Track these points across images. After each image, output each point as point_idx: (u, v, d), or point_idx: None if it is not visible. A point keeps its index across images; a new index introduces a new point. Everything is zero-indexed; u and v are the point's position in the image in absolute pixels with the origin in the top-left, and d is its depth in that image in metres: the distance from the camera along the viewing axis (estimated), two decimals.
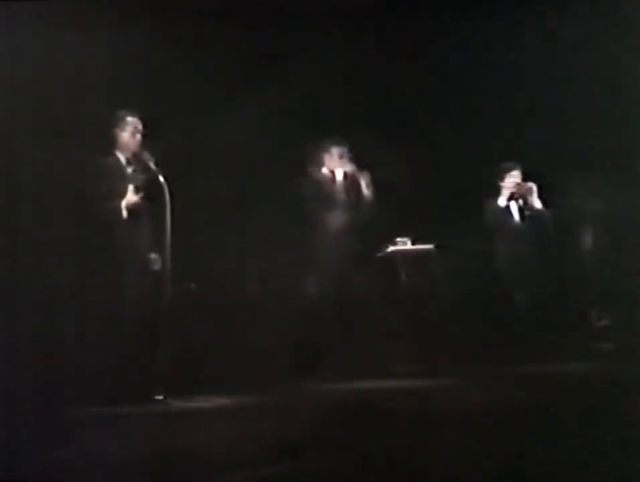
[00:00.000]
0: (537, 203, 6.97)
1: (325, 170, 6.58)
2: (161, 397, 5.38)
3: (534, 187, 6.98)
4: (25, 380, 5.02)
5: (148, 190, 5.67)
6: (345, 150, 6.55)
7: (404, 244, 6.88)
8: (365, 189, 6.51)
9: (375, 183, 6.55)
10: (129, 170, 5.78)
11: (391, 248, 6.87)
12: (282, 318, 6.25)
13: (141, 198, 5.67)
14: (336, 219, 6.46)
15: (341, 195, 6.53)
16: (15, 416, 4.71)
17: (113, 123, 5.80)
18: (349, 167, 6.53)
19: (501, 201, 7.05)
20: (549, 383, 5.68)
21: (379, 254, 6.87)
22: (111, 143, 5.81)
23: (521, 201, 7.02)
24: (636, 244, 6.25)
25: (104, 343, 5.36)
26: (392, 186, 6.72)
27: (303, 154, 6.50)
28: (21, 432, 4.52)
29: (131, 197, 5.64)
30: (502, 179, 7.08)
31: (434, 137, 7.07)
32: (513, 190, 7.04)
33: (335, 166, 6.55)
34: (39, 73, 5.59)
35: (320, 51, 6.49)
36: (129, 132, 5.78)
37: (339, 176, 6.56)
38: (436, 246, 6.87)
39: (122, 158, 5.80)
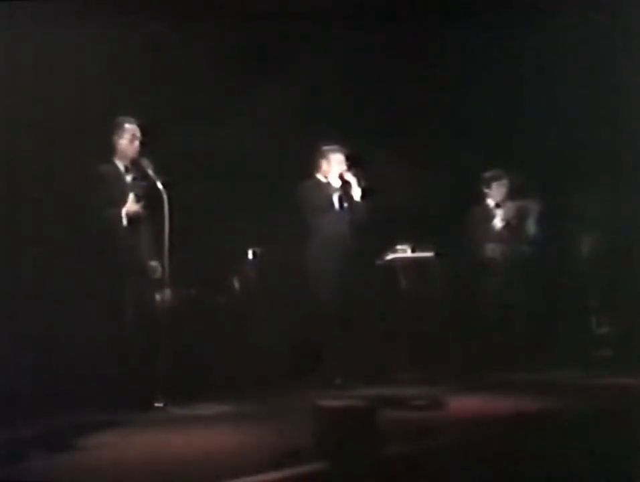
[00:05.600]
0: (532, 228, 7.01)
1: (324, 176, 6.57)
2: (161, 405, 5.38)
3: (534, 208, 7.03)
4: (26, 386, 5.00)
5: (148, 198, 5.66)
6: (344, 156, 6.55)
7: (404, 252, 6.89)
8: (358, 195, 6.50)
9: (375, 190, 6.55)
10: (128, 178, 5.76)
11: (391, 256, 6.88)
12: (283, 325, 6.26)
13: (142, 207, 5.65)
14: (335, 225, 6.45)
15: (338, 201, 6.52)
16: (15, 421, 4.70)
17: (111, 130, 5.79)
18: (347, 173, 6.52)
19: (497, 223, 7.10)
20: (549, 390, 5.67)
21: (380, 262, 6.88)
22: (109, 151, 5.79)
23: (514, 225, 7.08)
24: (636, 251, 6.26)
25: (104, 349, 5.35)
26: (392, 194, 6.74)
27: (302, 160, 6.51)
28: (21, 437, 4.51)
29: (132, 205, 5.62)
30: (489, 186, 7.12)
31: (435, 146, 7.11)
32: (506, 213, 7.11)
33: (334, 172, 6.54)
34: (37, 78, 5.60)
35: (319, 57, 6.52)
36: (127, 139, 5.76)
37: (337, 182, 6.54)
38: (436, 254, 6.87)
39: (120, 165, 5.78)
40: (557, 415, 4.97)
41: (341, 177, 6.54)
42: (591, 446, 4.27)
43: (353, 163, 6.56)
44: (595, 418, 4.78)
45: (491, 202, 7.13)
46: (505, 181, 7.07)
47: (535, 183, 6.95)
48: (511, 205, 7.07)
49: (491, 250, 7.02)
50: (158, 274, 5.72)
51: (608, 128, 6.51)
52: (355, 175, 6.52)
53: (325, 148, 6.57)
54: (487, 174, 7.11)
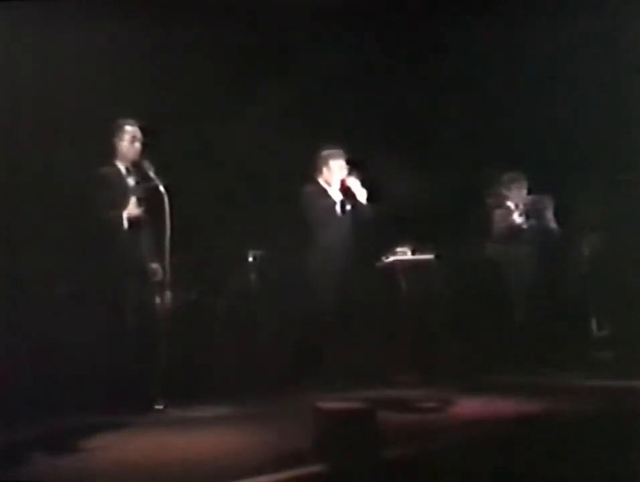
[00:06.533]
0: (552, 222, 6.98)
1: (325, 181, 6.55)
2: (161, 407, 5.37)
3: (549, 202, 7.01)
4: (27, 388, 5.01)
5: (150, 202, 5.66)
6: (344, 160, 6.53)
7: (404, 254, 6.88)
8: (363, 198, 6.47)
9: (375, 193, 6.53)
10: (130, 181, 5.75)
11: (391, 258, 6.87)
12: (282, 327, 6.26)
13: (143, 211, 5.64)
14: (335, 228, 6.43)
15: (339, 205, 6.50)
16: (16, 423, 4.71)
17: (112, 132, 5.78)
18: (348, 178, 6.50)
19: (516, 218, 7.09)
20: (550, 392, 5.67)
21: (380, 264, 6.88)
22: (111, 153, 5.78)
23: (534, 219, 7.04)
24: (635, 254, 6.26)
25: (104, 352, 5.34)
26: (392, 196, 6.73)
27: (303, 163, 6.49)
28: (22, 438, 4.52)
29: (133, 209, 5.61)
30: (508, 188, 7.09)
31: (436, 148, 7.10)
32: (525, 206, 7.07)
33: (334, 176, 6.52)
34: (37, 79, 5.60)
35: (319, 60, 6.52)
36: (128, 140, 5.76)
37: (338, 186, 6.52)
38: (436, 256, 6.87)
39: (122, 167, 5.78)
40: (558, 417, 4.96)
41: (342, 183, 6.51)
42: (592, 449, 4.27)
43: (354, 167, 6.53)
44: (596, 420, 4.78)
45: (511, 204, 7.11)
46: (524, 183, 7.06)
47: (541, 188, 6.96)
48: (527, 198, 7.06)
49: (491, 251, 7.03)
50: (158, 277, 5.72)
51: (610, 128, 6.51)
52: (357, 178, 6.50)
53: (325, 153, 6.52)
54: (506, 176, 7.10)
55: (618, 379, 5.89)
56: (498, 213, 7.12)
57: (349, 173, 6.50)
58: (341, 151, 6.52)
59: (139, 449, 4.45)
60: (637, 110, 5.99)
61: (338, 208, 6.48)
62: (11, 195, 5.43)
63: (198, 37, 6.13)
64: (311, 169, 6.55)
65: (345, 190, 6.49)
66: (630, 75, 6.02)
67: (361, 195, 6.46)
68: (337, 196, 6.49)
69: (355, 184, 6.46)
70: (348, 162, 6.52)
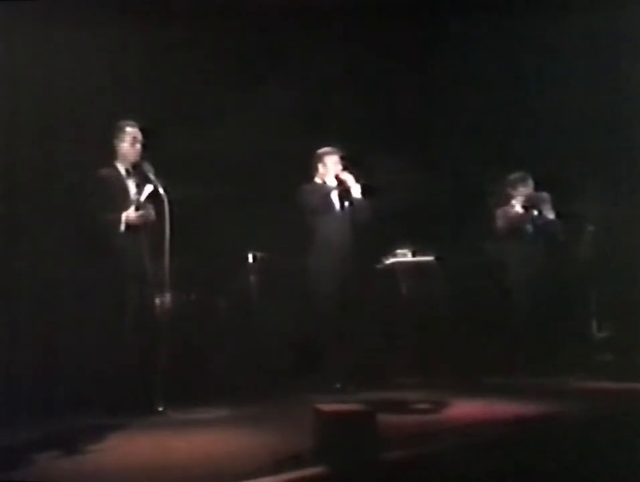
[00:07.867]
0: (551, 214, 6.97)
1: (321, 179, 6.54)
2: (161, 409, 5.36)
3: (547, 197, 6.99)
4: (28, 390, 5.01)
5: (150, 204, 5.65)
6: (339, 157, 6.52)
7: (405, 256, 6.88)
8: (357, 192, 6.45)
9: (375, 194, 6.52)
10: (131, 184, 5.73)
11: (391, 260, 6.87)
12: (283, 329, 6.25)
13: (140, 216, 5.63)
14: (335, 229, 6.42)
15: (339, 201, 6.49)
16: (17, 425, 4.71)
17: (112, 133, 5.76)
18: (343, 173, 6.48)
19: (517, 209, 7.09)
20: (550, 394, 5.67)
21: (380, 266, 6.87)
22: (111, 154, 5.77)
23: (534, 211, 7.02)
24: (636, 256, 6.25)
25: (104, 354, 5.33)
26: (392, 197, 6.72)
27: (303, 163, 6.49)
28: (23, 440, 4.52)
29: (132, 213, 5.60)
30: (514, 188, 7.08)
31: (436, 148, 7.10)
32: (526, 200, 7.06)
33: (329, 172, 6.51)
34: (37, 79, 5.58)
35: (318, 61, 6.52)
36: (128, 142, 5.74)
37: (335, 184, 6.50)
38: (437, 258, 6.86)
39: (122, 169, 5.76)
40: (558, 419, 4.96)
41: (337, 177, 6.50)
42: (592, 451, 4.27)
43: (350, 165, 6.52)
44: (596, 423, 4.78)
45: (516, 204, 7.10)
46: (530, 182, 7.04)
47: (546, 186, 6.95)
48: (528, 193, 7.05)
49: (492, 253, 7.02)
50: (158, 278, 5.70)
51: (610, 128, 6.51)
52: (351, 173, 6.48)
53: (320, 151, 6.52)
54: (512, 176, 7.09)
55: (619, 380, 5.89)
56: (500, 211, 7.10)
57: (344, 169, 6.50)
58: (335, 148, 6.52)
59: (139, 451, 4.46)
60: (638, 109, 5.99)
61: (336, 202, 6.47)
62: (11, 196, 5.42)
63: (198, 37, 6.12)
64: (310, 169, 6.55)
65: (340, 185, 6.49)
66: (631, 74, 6.02)
67: (356, 189, 6.44)
68: (333, 192, 6.49)
69: (349, 178, 6.45)
70: (343, 158, 6.51)
